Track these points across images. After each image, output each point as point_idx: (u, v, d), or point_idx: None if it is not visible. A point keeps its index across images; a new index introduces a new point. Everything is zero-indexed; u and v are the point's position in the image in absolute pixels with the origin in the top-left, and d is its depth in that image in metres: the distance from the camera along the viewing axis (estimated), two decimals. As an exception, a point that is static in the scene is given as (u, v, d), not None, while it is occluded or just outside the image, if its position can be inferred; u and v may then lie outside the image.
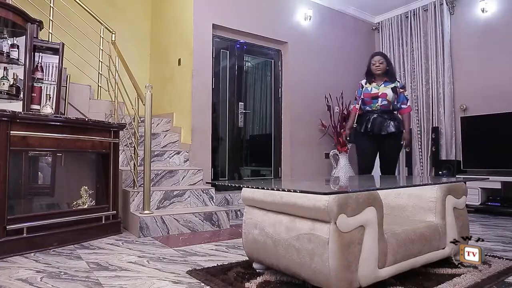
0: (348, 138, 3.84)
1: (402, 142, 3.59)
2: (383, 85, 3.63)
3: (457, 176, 4.54)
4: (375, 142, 3.66)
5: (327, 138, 5.31)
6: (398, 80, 3.70)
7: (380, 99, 3.60)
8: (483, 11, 4.87)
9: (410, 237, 1.84)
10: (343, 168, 5.06)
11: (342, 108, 5.25)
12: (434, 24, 5.30)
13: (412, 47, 5.60)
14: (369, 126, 3.63)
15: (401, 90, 3.64)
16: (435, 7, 5.29)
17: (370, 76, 3.70)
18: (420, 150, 5.42)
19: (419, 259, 1.88)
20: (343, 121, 5.19)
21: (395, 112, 3.68)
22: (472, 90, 4.94)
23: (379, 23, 6.11)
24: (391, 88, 3.60)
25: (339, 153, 5.12)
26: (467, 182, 3.97)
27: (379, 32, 6.11)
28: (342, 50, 5.68)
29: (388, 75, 3.65)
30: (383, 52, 5.96)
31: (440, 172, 4.84)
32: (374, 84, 3.67)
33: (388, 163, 3.69)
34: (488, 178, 3.60)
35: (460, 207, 2.19)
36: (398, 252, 1.75)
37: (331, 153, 5.16)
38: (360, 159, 3.82)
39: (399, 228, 1.85)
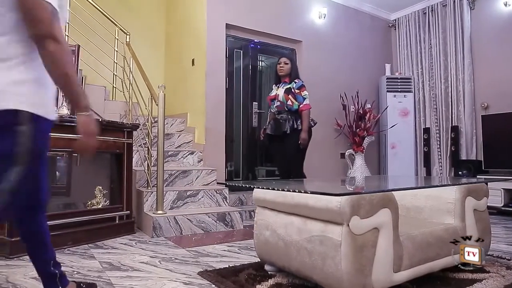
0: (262, 140, 3.85)
1: (299, 141, 3.42)
2: (281, 86, 3.58)
3: (478, 176, 4.39)
4: (277, 143, 3.59)
5: (343, 137, 5.22)
6: (295, 81, 3.53)
7: (275, 101, 3.58)
8: (506, 4, 4.70)
9: (427, 240, 1.77)
10: (359, 168, 4.97)
11: (358, 107, 5.16)
12: (454, 20, 5.15)
13: (430, 44, 5.45)
14: (268, 128, 3.66)
15: (297, 91, 3.49)
16: (454, 2, 5.14)
17: (277, 78, 3.68)
18: (439, 150, 5.27)
19: (437, 263, 1.81)
20: (358, 120, 5.10)
21: (295, 112, 3.50)
22: (494, 88, 4.77)
23: (395, 20, 5.98)
24: (285, 89, 3.51)
25: (355, 153, 5.03)
26: (489, 183, 3.84)
27: (395, 29, 5.98)
28: (357, 48, 5.58)
29: (291, 76, 3.56)
30: (398, 50, 5.84)
31: (460, 173, 4.70)
32: (276, 86, 3.66)
33: (288, 163, 3.58)
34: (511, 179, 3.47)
35: (480, 209, 2.10)
36: (414, 255, 1.69)
37: (346, 153, 5.08)
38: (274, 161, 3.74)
39: (416, 230, 1.79)
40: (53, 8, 1.20)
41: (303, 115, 3.46)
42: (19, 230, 1.46)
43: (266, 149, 4.94)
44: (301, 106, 3.47)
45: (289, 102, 3.48)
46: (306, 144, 3.47)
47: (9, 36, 1.19)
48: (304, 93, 3.50)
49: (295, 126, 3.45)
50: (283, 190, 1.80)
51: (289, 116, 3.49)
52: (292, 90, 3.50)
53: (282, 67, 3.58)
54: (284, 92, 3.50)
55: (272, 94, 3.66)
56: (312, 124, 3.58)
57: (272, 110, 3.66)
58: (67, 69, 1.23)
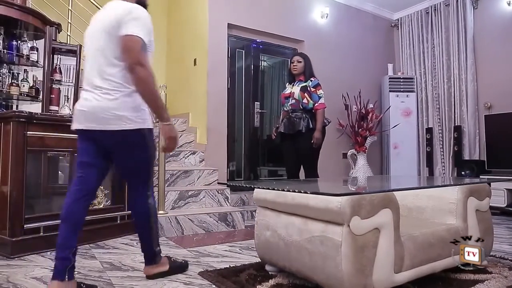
0: (274, 138, 3.76)
1: (312, 141, 3.37)
2: (296, 84, 3.53)
3: (481, 176, 4.37)
4: (291, 142, 3.53)
5: (345, 137, 5.21)
6: (311, 79, 3.49)
7: (290, 99, 3.53)
8: (509, 4, 4.67)
9: (428, 240, 1.76)
10: (361, 168, 4.95)
11: (360, 107, 5.14)
12: (456, 19, 5.13)
13: (433, 44, 5.43)
14: (281, 126, 3.59)
15: (313, 89, 3.44)
16: (457, 1, 5.11)
17: (291, 76, 3.63)
18: (441, 150, 5.25)
19: (438, 263, 1.80)
20: (361, 120, 5.08)
21: (310, 111, 3.46)
22: (497, 88, 4.74)
23: (398, 20, 5.96)
24: (301, 87, 3.46)
25: (357, 153, 5.01)
26: (492, 183, 3.81)
27: (398, 29, 5.96)
28: (360, 48, 5.57)
29: (305, 74, 3.52)
30: (400, 50, 5.82)
31: (463, 173, 4.67)
32: (291, 85, 3.61)
33: (301, 162, 3.54)
34: (514, 179, 3.44)
35: (483, 209, 2.08)
36: (415, 256, 1.68)
37: (348, 153, 5.06)
38: (283, 160, 3.72)
39: (417, 231, 1.77)
40: (143, 43, 1.64)
41: (317, 114, 3.41)
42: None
43: (269, 149, 4.95)
44: (316, 105, 3.42)
45: (304, 100, 3.43)
46: (319, 144, 3.42)
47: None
48: (320, 91, 3.45)
49: (310, 125, 3.40)
50: (283, 190, 1.79)
51: (304, 115, 3.43)
52: (308, 88, 3.45)
53: (295, 65, 3.54)
54: (300, 90, 3.45)
55: (286, 92, 3.60)
56: (326, 123, 3.53)
57: (285, 109, 3.59)
58: (152, 89, 1.64)
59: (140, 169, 1.80)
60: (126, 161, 1.77)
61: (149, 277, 1.90)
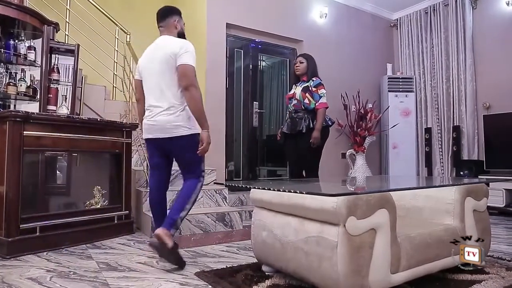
0: (279, 139, 3.74)
1: (310, 140, 3.35)
2: (299, 85, 3.54)
3: (479, 176, 4.36)
4: (292, 142, 3.53)
5: (344, 137, 5.20)
6: (313, 79, 3.48)
7: (292, 99, 3.54)
8: (508, 4, 4.67)
9: (425, 241, 1.75)
10: (360, 169, 4.95)
11: (359, 107, 5.14)
12: (456, 19, 5.12)
13: (432, 44, 5.42)
14: (284, 126, 3.61)
15: (314, 89, 3.43)
16: (456, 1, 5.11)
17: (296, 77, 3.64)
18: (440, 150, 5.24)
19: (436, 264, 1.79)
20: (359, 120, 5.08)
21: (312, 111, 3.43)
22: (496, 88, 4.74)
23: (397, 20, 5.95)
24: (303, 88, 3.46)
25: (356, 153, 5.00)
26: (490, 183, 3.81)
27: (397, 29, 5.95)
28: (359, 48, 5.56)
29: (308, 74, 3.51)
30: (399, 50, 5.81)
31: (461, 173, 4.67)
32: (295, 85, 3.62)
33: (299, 162, 3.53)
34: (513, 179, 3.43)
35: (480, 209, 2.07)
36: (412, 256, 1.67)
37: (347, 153, 5.05)
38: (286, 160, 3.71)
39: (414, 231, 1.76)
40: (194, 69, 2.17)
41: (318, 114, 3.39)
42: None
43: (268, 149, 4.94)
44: (316, 104, 3.40)
45: (306, 101, 3.41)
46: (318, 144, 3.38)
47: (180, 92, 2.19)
48: (321, 91, 3.43)
49: (311, 125, 3.38)
50: (279, 190, 1.78)
51: (306, 115, 3.41)
52: (310, 88, 3.44)
53: (298, 66, 3.55)
54: (302, 90, 3.45)
55: (290, 93, 3.62)
56: (330, 124, 3.51)
57: (289, 109, 3.60)
58: (200, 104, 2.18)
59: (192, 163, 2.26)
60: (183, 157, 2.26)
61: (157, 236, 2.04)
